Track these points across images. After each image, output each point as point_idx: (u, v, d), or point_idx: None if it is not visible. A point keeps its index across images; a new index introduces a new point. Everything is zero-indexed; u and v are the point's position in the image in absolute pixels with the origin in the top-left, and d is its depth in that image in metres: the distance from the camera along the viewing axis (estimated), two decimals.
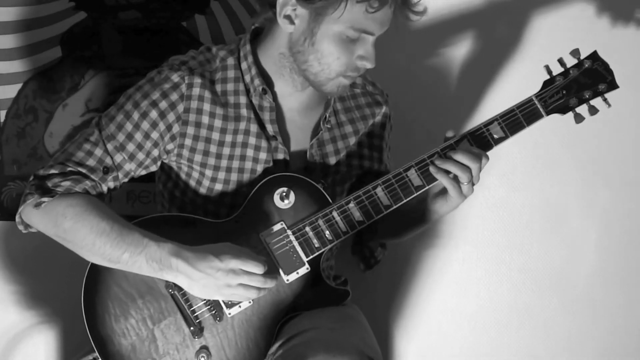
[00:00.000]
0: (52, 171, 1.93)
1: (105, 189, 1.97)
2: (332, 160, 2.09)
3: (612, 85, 1.96)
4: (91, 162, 1.95)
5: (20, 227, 1.99)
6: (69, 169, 1.93)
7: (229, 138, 2.01)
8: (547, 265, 2.56)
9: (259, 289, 1.88)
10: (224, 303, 1.94)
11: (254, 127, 2.02)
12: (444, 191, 1.96)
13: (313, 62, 1.93)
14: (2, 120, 2.43)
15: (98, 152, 1.96)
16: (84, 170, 1.94)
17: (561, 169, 2.54)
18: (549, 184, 2.54)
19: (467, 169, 1.89)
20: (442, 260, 2.56)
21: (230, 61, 2.03)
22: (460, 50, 2.51)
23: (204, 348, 1.94)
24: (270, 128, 2.02)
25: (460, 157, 1.88)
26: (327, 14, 1.86)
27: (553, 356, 2.58)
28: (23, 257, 2.44)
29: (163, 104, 1.96)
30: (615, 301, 2.57)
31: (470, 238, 2.56)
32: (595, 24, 2.48)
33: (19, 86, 2.42)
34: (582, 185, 2.55)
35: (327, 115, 2.07)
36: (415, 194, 1.96)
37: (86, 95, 2.45)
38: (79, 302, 1.93)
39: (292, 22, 1.91)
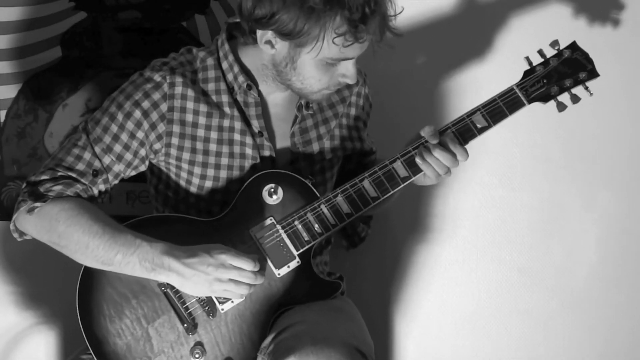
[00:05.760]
0: (43, 177, 1.94)
1: (96, 191, 1.98)
2: (316, 147, 2.10)
3: (593, 74, 1.98)
4: (80, 166, 1.96)
5: (15, 235, 2.01)
6: (60, 173, 1.95)
7: (214, 135, 2.02)
8: (547, 265, 2.55)
9: (249, 285, 1.89)
10: (217, 299, 1.94)
11: (238, 124, 2.03)
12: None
13: (296, 82, 1.95)
14: (2, 120, 2.44)
15: (87, 155, 1.97)
16: (74, 175, 1.95)
17: (561, 169, 2.53)
18: (548, 184, 2.54)
19: (445, 166, 1.94)
20: (442, 261, 2.56)
21: (210, 61, 2.04)
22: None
23: (199, 344, 1.94)
24: (256, 124, 2.03)
25: (439, 155, 1.92)
26: (305, 46, 1.87)
27: (553, 356, 2.57)
28: (22, 258, 2.44)
29: (146, 104, 1.98)
30: (615, 301, 2.56)
31: (470, 238, 2.55)
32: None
33: (19, 86, 2.43)
34: (582, 185, 2.54)
35: (302, 103, 2.07)
36: (402, 185, 1.98)
37: (86, 95, 2.45)
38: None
39: (273, 47, 1.92)
